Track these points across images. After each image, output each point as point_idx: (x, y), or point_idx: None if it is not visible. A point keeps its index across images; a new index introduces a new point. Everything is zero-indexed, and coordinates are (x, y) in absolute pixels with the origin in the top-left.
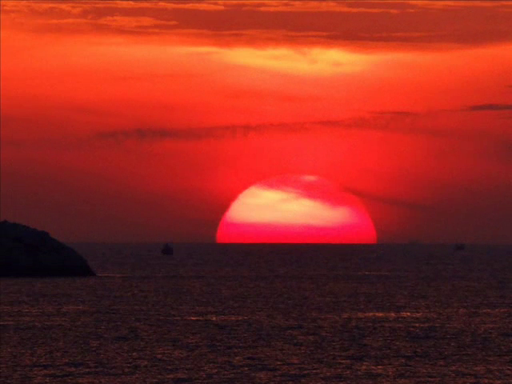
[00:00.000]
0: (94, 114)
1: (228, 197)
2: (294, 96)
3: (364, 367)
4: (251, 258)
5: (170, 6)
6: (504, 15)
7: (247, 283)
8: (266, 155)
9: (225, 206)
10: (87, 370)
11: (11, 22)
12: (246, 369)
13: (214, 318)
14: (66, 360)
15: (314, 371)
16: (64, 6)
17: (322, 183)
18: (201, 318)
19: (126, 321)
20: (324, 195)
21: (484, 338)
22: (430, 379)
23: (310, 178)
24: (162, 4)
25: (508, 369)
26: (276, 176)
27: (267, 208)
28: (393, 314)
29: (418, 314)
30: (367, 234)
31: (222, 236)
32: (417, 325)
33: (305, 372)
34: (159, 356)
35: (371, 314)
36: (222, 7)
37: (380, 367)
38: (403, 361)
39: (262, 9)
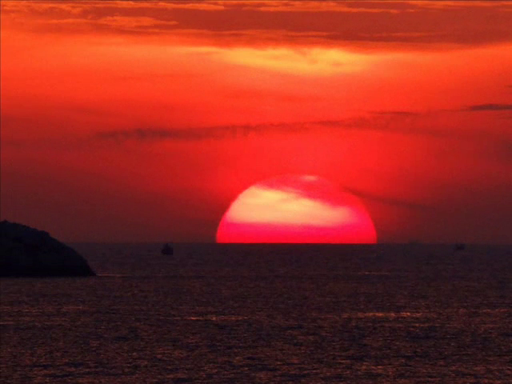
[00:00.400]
0: (94, 113)
1: (228, 197)
2: (294, 96)
3: (364, 367)
4: (251, 258)
5: (170, 5)
6: (504, 15)
7: (247, 283)
8: (266, 155)
9: (225, 206)
10: (87, 369)
11: (11, 22)
12: (246, 369)
13: (214, 318)
14: (66, 360)
15: (314, 371)
16: (64, 6)
17: (322, 183)
18: (201, 318)
19: (126, 321)
20: (324, 195)
21: (484, 338)
22: (429, 379)
23: (310, 177)
24: (162, 4)
25: (508, 369)
26: (276, 176)
27: (267, 208)
28: (393, 314)
29: (418, 314)
30: (367, 234)
31: (222, 236)
32: (417, 325)
33: (305, 372)
34: (159, 356)
35: (371, 313)
36: (222, 7)
37: (380, 367)
38: (403, 361)
39: (262, 9)
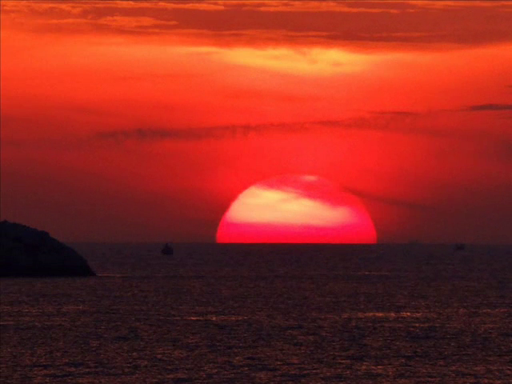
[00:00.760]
0: (94, 113)
1: (228, 197)
2: (294, 96)
3: (364, 367)
4: (251, 258)
5: (170, 5)
6: (504, 15)
7: (247, 283)
8: (266, 155)
9: (225, 206)
10: (87, 369)
11: (11, 22)
12: (246, 369)
13: (214, 318)
14: (66, 360)
15: (314, 371)
16: (64, 6)
17: (322, 183)
18: (201, 318)
19: (126, 321)
20: (324, 195)
21: (484, 338)
22: (429, 379)
23: (310, 177)
24: (162, 4)
25: (508, 369)
26: (276, 176)
27: (267, 208)
28: (393, 314)
29: (418, 314)
30: (367, 234)
31: (222, 236)
32: (417, 325)
33: (305, 372)
34: (159, 356)
35: (371, 313)
36: (222, 7)
37: (380, 367)
38: (403, 361)
39: (262, 9)
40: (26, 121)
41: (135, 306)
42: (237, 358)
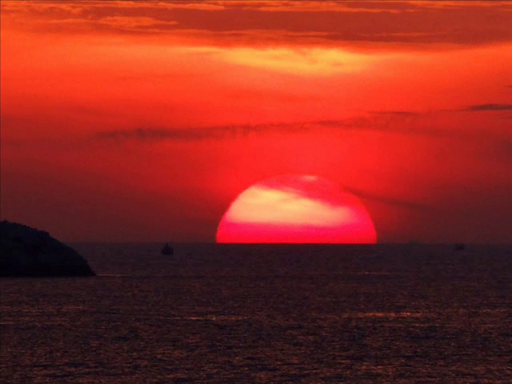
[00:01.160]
0: (94, 113)
1: (228, 197)
2: (294, 96)
3: (364, 367)
4: (251, 258)
5: (170, 5)
6: (504, 15)
7: (247, 283)
8: (266, 155)
9: (225, 206)
10: (87, 370)
11: (11, 22)
12: (246, 369)
13: (214, 318)
14: (66, 360)
15: (314, 371)
16: (64, 6)
17: (322, 183)
18: (201, 318)
19: (126, 321)
20: (324, 195)
21: (484, 338)
22: (429, 379)
23: (310, 177)
24: (161, 4)
25: (508, 369)
26: (276, 176)
27: (267, 208)
28: (393, 314)
29: (418, 314)
30: (367, 234)
31: (222, 236)
32: (417, 325)
33: (305, 372)
34: (159, 356)
35: (371, 314)
36: (222, 7)
37: (380, 367)
38: (403, 361)
39: (262, 9)
40: (26, 121)
41: (135, 306)
42: (237, 358)
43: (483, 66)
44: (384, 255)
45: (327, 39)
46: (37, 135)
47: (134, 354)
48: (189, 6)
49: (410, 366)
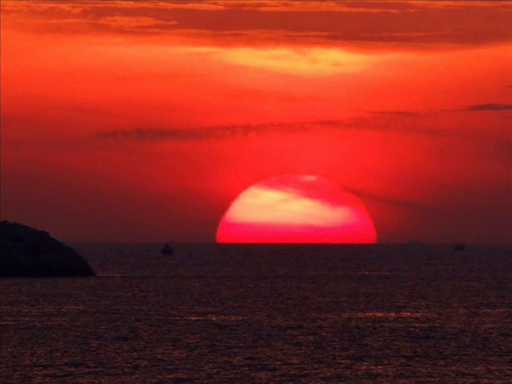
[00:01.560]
0: (94, 113)
1: (228, 197)
2: (294, 96)
3: (364, 367)
4: (251, 258)
5: (170, 5)
6: (504, 15)
7: (247, 283)
8: (266, 155)
9: (225, 206)
10: (87, 370)
11: (11, 22)
12: (246, 369)
13: (214, 318)
14: (66, 360)
15: (314, 371)
16: (64, 6)
17: (322, 183)
18: (201, 318)
19: (126, 321)
20: (324, 195)
21: (484, 338)
22: (429, 379)
23: (310, 177)
24: (161, 4)
25: (508, 369)
26: (276, 176)
27: (267, 208)
28: (393, 314)
29: (418, 314)
30: (367, 234)
31: (222, 236)
32: (417, 325)
33: (305, 372)
34: (159, 356)
35: (371, 314)
36: (222, 7)
37: (380, 367)
38: (403, 361)
39: (262, 9)
40: (26, 121)
41: (135, 306)
42: (237, 358)
43: (483, 66)
44: (384, 255)
45: (327, 39)
46: (37, 135)
47: (134, 353)
48: (189, 6)
49: (409, 366)
